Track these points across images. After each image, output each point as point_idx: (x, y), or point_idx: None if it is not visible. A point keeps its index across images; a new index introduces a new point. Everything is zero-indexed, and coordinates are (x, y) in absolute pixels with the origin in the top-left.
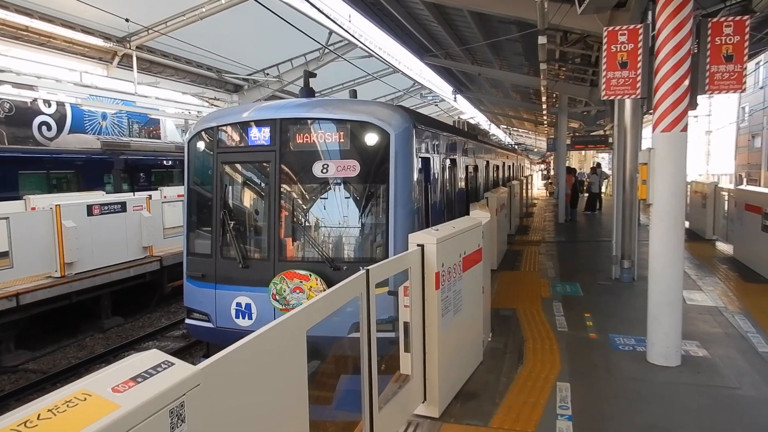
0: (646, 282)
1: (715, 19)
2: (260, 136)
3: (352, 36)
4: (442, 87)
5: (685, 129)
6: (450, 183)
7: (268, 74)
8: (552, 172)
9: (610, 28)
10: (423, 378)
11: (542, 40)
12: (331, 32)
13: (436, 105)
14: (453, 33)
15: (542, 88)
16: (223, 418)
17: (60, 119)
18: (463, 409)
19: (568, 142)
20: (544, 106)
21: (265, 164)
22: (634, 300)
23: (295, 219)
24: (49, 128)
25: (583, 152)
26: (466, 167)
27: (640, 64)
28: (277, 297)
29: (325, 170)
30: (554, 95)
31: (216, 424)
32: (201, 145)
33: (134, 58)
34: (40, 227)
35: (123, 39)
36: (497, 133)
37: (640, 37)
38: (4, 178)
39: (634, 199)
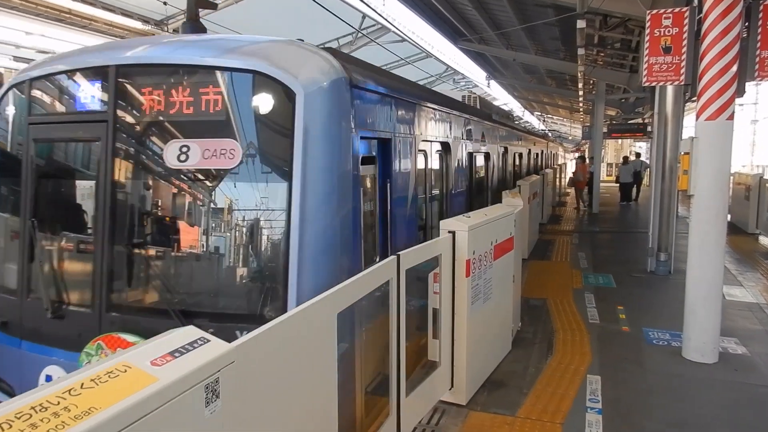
0: (682, 275)
1: (767, 1)
2: (88, 95)
3: (386, 20)
4: (475, 73)
5: (731, 117)
6: (435, 180)
7: None
8: (587, 161)
9: (654, 12)
10: (451, 365)
11: (581, 24)
12: (364, 16)
13: (470, 91)
14: (488, 17)
15: (579, 74)
16: (255, 396)
17: None
18: (490, 397)
19: (605, 130)
20: (581, 93)
21: (94, 145)
22: (670, 294)
23: (134, 242)
24: None
25: (620, 141)
26: (470, 156)
27: (684, 49)
28: None
29: (184, 156)
30: (591, 81)
31: (248, 400)
32: (10, 110)
33: None
34: None
35: (161, 22)
36: (530, 119)
37: (686, 21)
38: None
39: (672, 190)
